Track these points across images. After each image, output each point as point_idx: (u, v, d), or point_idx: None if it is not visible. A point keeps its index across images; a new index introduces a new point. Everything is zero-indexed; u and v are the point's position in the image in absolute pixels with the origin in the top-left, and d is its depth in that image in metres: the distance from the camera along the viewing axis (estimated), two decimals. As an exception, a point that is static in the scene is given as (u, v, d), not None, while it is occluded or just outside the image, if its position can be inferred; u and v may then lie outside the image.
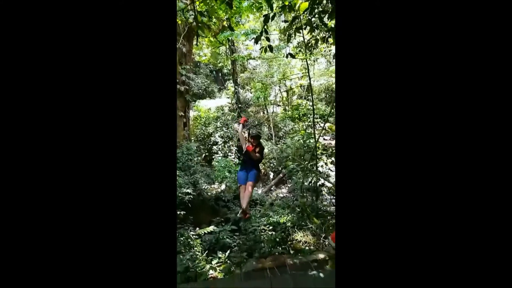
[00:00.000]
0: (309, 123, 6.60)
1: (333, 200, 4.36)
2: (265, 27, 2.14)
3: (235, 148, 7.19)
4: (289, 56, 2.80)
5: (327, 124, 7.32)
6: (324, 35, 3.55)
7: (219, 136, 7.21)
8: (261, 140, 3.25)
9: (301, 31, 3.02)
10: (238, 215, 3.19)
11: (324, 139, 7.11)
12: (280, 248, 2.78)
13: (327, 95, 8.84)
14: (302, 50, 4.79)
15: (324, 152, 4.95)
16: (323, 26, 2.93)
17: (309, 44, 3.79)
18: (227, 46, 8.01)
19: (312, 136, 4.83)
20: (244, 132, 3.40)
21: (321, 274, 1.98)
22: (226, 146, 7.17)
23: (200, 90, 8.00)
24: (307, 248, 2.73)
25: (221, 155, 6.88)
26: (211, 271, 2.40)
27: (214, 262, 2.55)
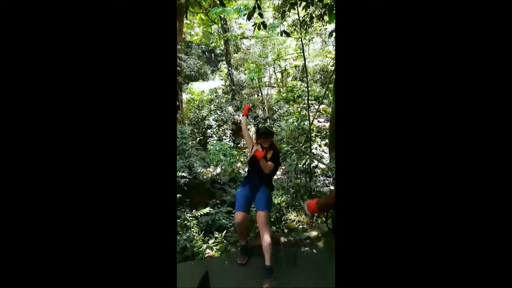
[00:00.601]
0: (304, 105, 6.54)
1: (326, 181, 4.46)
2: (258, 2, 2.03)
3: (230, 131, 7.15)
4: (283, 34, 2.70)
5: (322, 106, 7.29)
6: (319, 12, 3.41)
7: (213, 120, 7.12)
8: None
9: (295, 7, 2.89)
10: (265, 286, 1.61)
11: (318, 121, 7.12)
12: (274, 227, 2.87)
13: (322, 76, 8.71)
14: (296, 28, 4.63)
15: (318, 134, 4.98)
16: (318, 2, 2.81)
17: (304, 22, 3.65)
18: (219, 25, 7.66)
19: (307, 118, 4.82)
20: (249, 129, 2.24)
21: (314, 251, 2.07)
22: (220, 129, 7.11)
23: (193, 72, 7.77)
24: (300, 227, 2.83)
25: (215, 138, 6.85)
26: (208, 250, 2.49)
27: (211, 242, 2.63)
